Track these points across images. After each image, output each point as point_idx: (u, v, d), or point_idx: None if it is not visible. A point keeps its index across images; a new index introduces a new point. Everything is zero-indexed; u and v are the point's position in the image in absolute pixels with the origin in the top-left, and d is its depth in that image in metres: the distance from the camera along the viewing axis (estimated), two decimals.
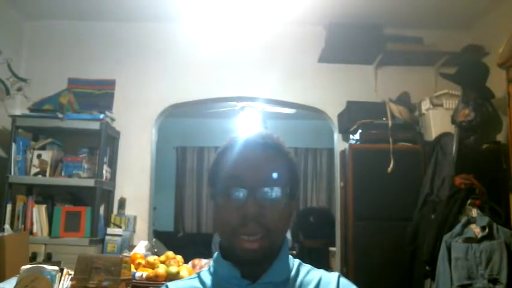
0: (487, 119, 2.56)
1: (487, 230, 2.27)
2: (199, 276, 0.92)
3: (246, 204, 0.80)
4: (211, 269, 0.91)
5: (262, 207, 0.81)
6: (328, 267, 4.63)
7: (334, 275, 0.92)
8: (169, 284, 0.92)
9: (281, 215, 0.83)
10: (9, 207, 2.98)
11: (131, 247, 3.06)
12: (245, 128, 5.15)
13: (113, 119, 3.35)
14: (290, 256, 0.92)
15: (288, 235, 4.36)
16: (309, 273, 0.91)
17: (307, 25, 3.53)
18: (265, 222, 0.81)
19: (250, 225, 0.80)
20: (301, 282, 0.89)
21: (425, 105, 3.10)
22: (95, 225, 3.02)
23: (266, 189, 0.82)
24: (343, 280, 0.91)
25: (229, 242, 0.84)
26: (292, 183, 0.87)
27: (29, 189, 3.22)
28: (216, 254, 0.91)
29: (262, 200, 0.81)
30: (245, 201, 0.81)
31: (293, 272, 0.90)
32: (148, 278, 2.05)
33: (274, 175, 0.83)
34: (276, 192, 0.82)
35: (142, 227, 3.37)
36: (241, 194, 0.81)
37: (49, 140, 3.20)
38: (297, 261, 0.93)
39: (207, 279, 0.90)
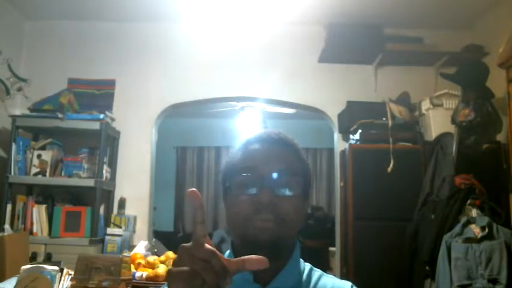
0: (487, 119, 2.56)
1: (486, 230, 2.27)
2: None
3: (260, 193, 0.81)
4: None
5: (276, 199, 0.81)
6: (328, 267, 4.63)
7: (347, 284, 0.91)
8: None
9: (294, 210, 0.83)
10: (9, 207, 2.98)
11: (131, 247, 3.06)
12: (245, 128, 5.15)
13: (113, 119, 3.35)
14: (301, 260, 0.91)
15: None
16: (320, 280, 0.91)
17: (307, 25, 3.53)
18: (278, 211, 0.81)
19: (263, 212, 0.81)
20: None
21: (425, 105, 3.11)
22: (95, 225, 3.02)
23: (281, 183, 0.83)
24: None
25: (242, 228, 0.83)
26: (305, 182, 0.88)
27: (29, 189, 3.23)
28: (227, 252, 0.90)
29: (276, 193, 0.82)
30: (260, 190, 0.81)
31: (304, 277, 0.89)
32: (148, 278, 2.05)
33: (289, 171, 0.85)
34: (290, 187, 0.83)
35: (142, 227, 3.37)
36: (256, 185, 0.82)
37: (49, 140, 3.21)
38: (308, 265, 0.93)
39: None
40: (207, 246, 0.61)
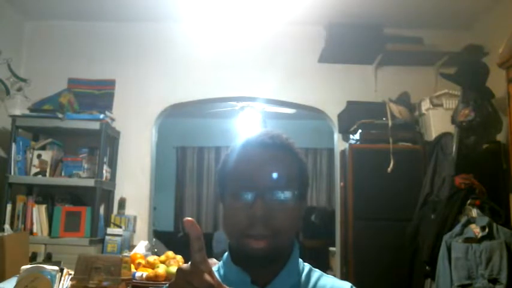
0: (487, 119, 2.56)
1: (487, 230, 2.27)
2: None
3: (254, 205, 0.79)
4: (221, 271, 0.89)
5: (270, 209, 0.79)
6: (328, 267, 4.63)
7: (346, 285, 0.90)
8: None
9: (290, 217, 0.81)
10: (9, 207, 2.98)
11: (131, 247, 3.06)
12: (245, 128, 5.15)
13: (113, 119, 3.35)
14: (300, 260, 0.90)
15: None
16: (320, 280, 0.90)
17: (307, 25, 3.53)
18: (273, 223, 0.79)
19: (257, 226, 0.79)
20: None
21: (425, 105, 3.10)
22: (95, 225, 3.02)
23: (275, 190, 0.80)
24: None
25: (237, 242, 0.83)
26: (301, 183, 0.86)
27: (29, 189, 3.22)
28: (225, 255, 0.89)
29: (270, 201, 0.80)
30: (253, 202, 0.79)
31: (303, 278, 0.88)
32: (148, 278, 2.05)
33: (284, 176, 0.82)
34: (285, 193, 0.81)
35: (142, 227, 3.37)
36: (249, 195, 0.80)
37: (49, 140, 3.21)
38: (307, 266, 0.92)
39: None
40: (206, 276, 0.61)
